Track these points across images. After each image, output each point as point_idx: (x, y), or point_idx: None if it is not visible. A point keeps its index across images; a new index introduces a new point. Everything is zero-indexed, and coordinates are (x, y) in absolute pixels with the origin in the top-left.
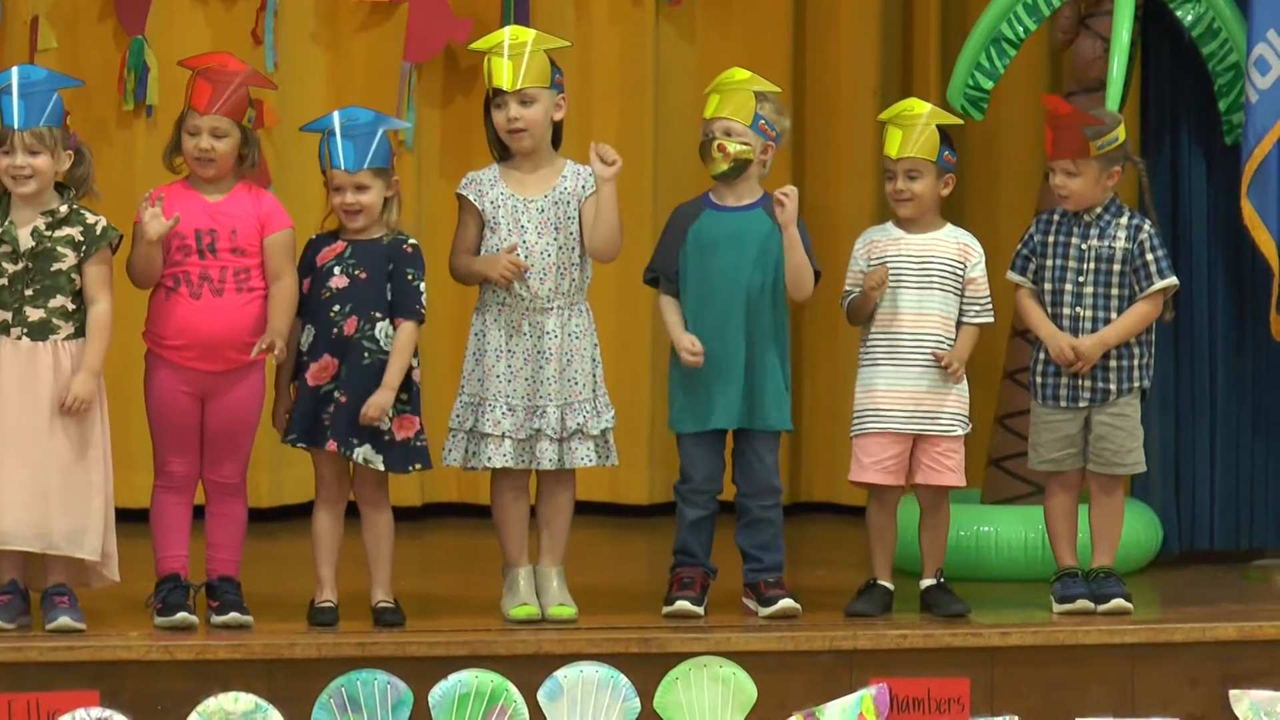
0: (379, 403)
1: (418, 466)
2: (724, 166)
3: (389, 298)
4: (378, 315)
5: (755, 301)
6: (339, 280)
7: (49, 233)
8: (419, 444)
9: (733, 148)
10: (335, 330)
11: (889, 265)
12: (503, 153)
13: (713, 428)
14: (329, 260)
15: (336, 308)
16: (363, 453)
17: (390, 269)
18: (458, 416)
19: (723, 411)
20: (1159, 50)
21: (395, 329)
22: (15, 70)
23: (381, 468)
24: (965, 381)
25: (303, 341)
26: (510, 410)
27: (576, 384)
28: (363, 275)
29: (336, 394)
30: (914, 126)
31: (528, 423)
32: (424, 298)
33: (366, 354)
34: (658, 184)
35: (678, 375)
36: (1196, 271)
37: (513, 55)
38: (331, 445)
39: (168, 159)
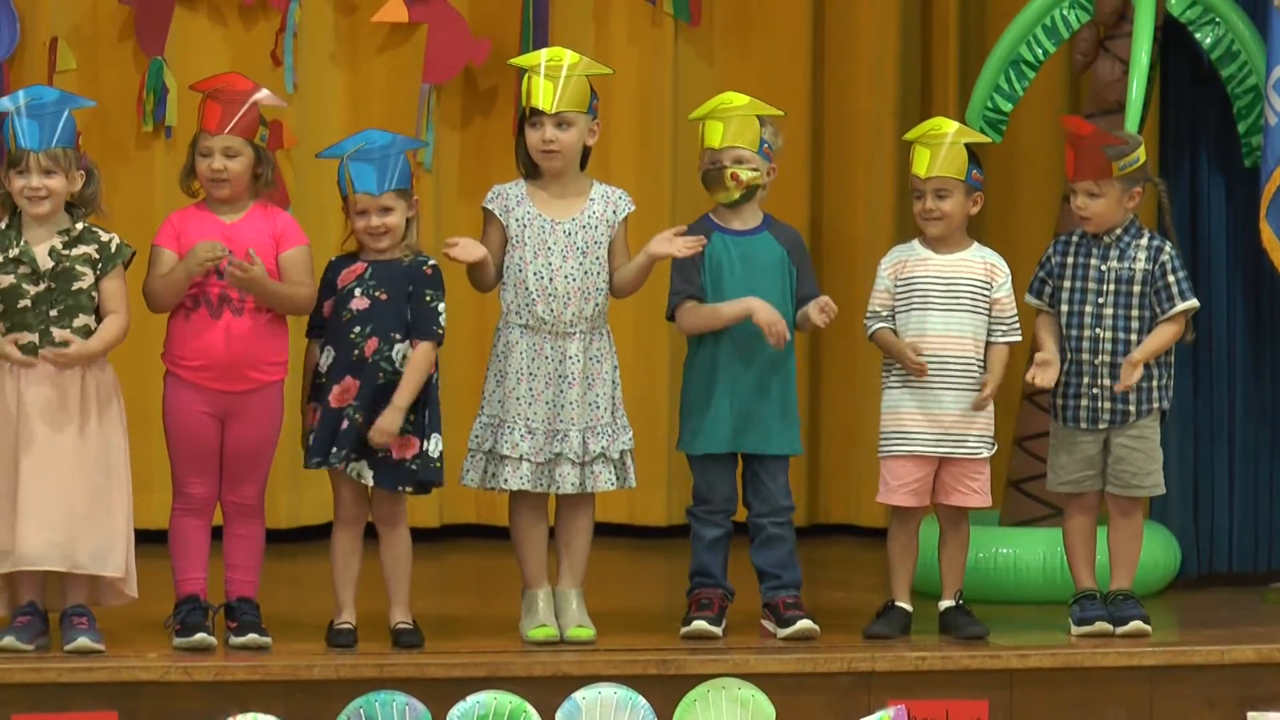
0: (385, 427)
1: (408, 489)
2: (737, 195)
3: (408, 319)
4: (397, 337)
5: None
6: (359, 302)
7: (67, 251)
8: (413, 466)
9: (745, 175)
10: (356, 352)
11: (916, 286)
12: (530, 171)
13: (726, 450)
14: (350, 282)
15: (358, 329)
16: (357, 468)
17: (410, 290)
18: (477, 437)
19: (737, 434)
20: (1178, 73)
21: (412, 349)
22: (28, 91)
23: (370, 483)
24: (991, 402)
25: (322, 363)
26: (530, 433)
27: (598, 408)
28: (383, 296)
29: (353, 414)
30: (941, 145)
31: (548, 446)
32: (442, 319)
33: (381, 374)
34: (675, 205)
35: (691, 395)
36: (1215, 294)
37: (554, 76)
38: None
39: (184, 183)
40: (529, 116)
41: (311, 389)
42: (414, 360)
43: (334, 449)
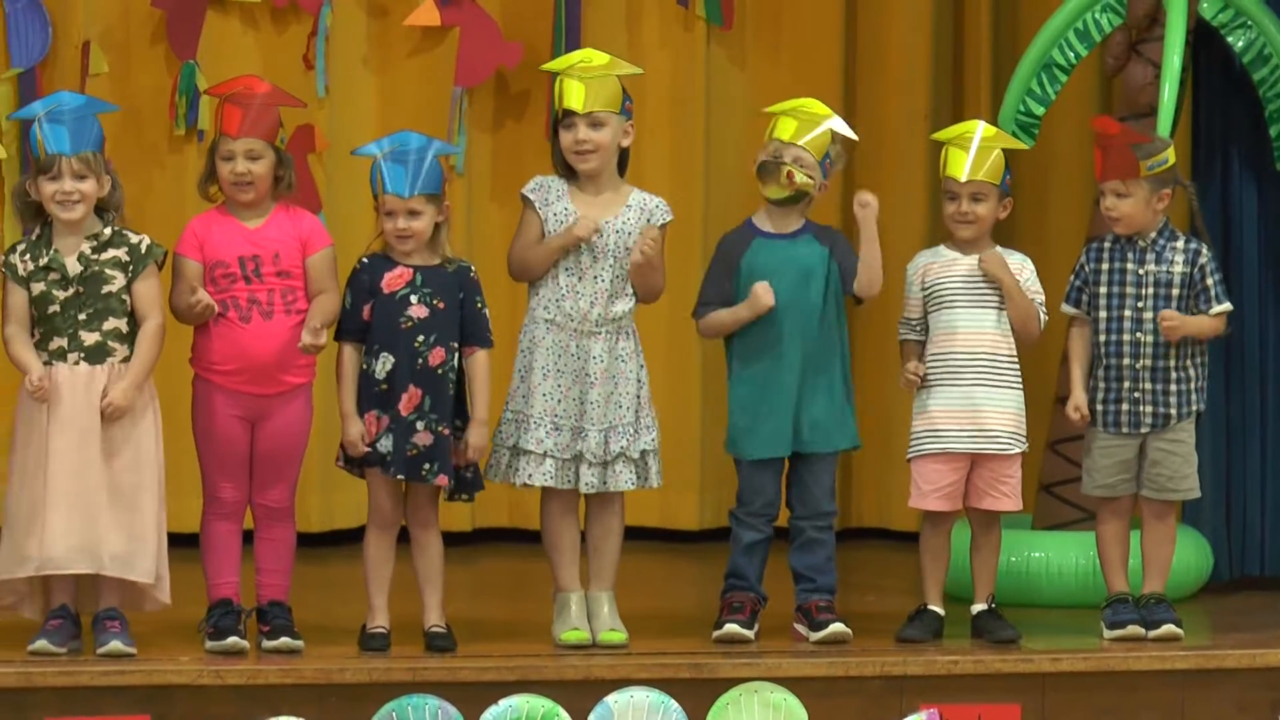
0: (480, 443)
1: (464, 497)
2: (785, 193)
3: (460, 326)
4: (455, 345)
5: (812, 326)
6: (418, 310)
7: (95, 256)
8: (469, 474)
9: (799, 178)
10: (420, 361)
11: (945, 287)
12: (567, 174)
13: (774, 455)
14: (400, 288)
15: (421, 338)
16: (449, 487)
17: (461, 297)
18: (501, 432)
19: (784, 438)
20: (1210, 76)
21: (467, 358)
22: (55, 97)
23: (446, 498)
24: (1022, 400)
25: (378, 370)
26: (555, 429)
27: (621, 407)
28: (441, 305)
29: (421, 425)
30: (980, 149)
31: (572, 444)
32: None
33: (451, 385)
34: (708, 209)
35: (739, 400)
36: (1248, 296)
37: (586, 78)
38: (443, 480)
39: (203, 188)
40: (562, 118)
41: (367, 396)
42: (482, 371)
43: (427, 465)
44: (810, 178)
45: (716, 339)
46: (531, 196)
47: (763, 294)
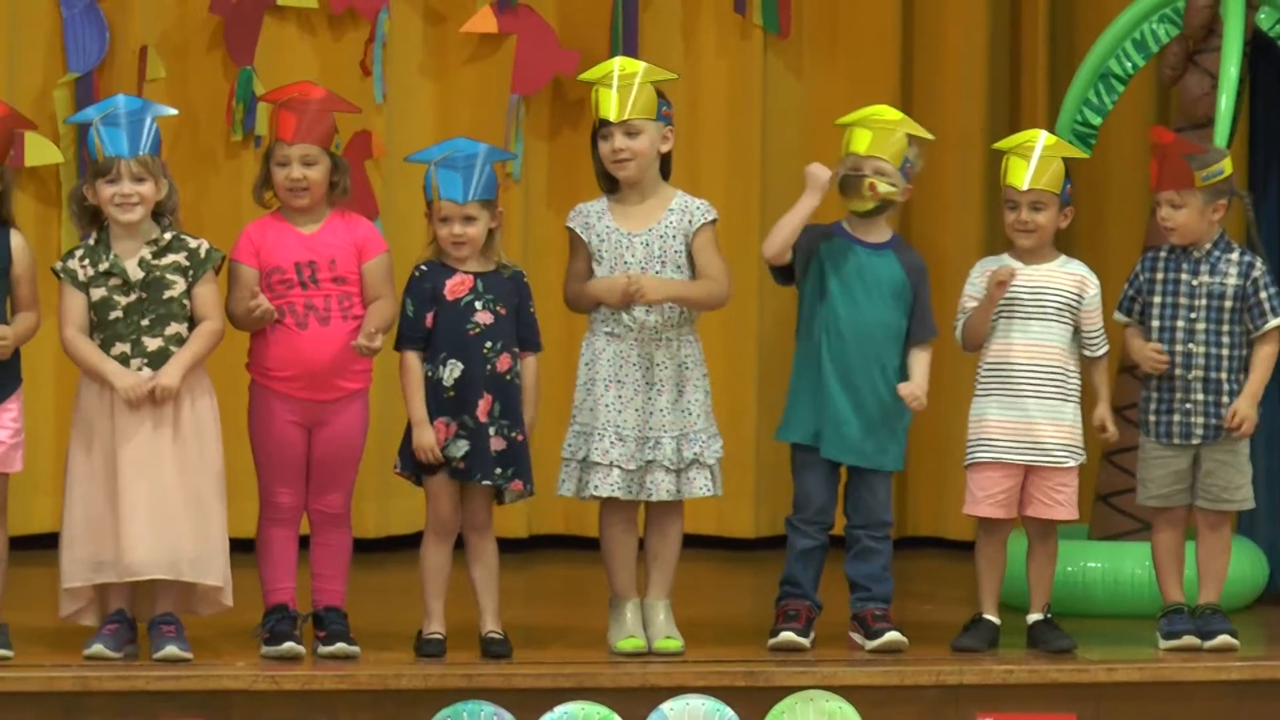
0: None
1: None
2: (870, 205)
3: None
4: (517, 350)
5: (885, 341)
6: (484, 316)
7: (156, 261)
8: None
9: (882, 188)
10: (489, 367)
11: (1005, 296)
12: (610, 185)
13: (832, 458)
14: (464, 295)
15: (489, 344)
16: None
17: (517, 303)
18: (570, 446)
19: (845, 445)
20: (1267, 86)
21: (521, 362)
22: (111, 101)
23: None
24: (1079, 413)
25: (446, 376)
26: (620, 440)
27: (691, 414)
28: (503, 311)
29: (494, 430)
30: (1041, 158)
31: (638, 453)
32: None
33: (517, 391)
34: (764, 217)
35: (803, 388)
36: None
37: (620, 86)
38: (518, 485)
39: (258, 194)
40: (599, 129)
41: (435, 403)
42: (533, 375)
43: (500, 469)
44: (893, 185)
45: (785, 255)
46: (573, 225)
47: (817, 170)
